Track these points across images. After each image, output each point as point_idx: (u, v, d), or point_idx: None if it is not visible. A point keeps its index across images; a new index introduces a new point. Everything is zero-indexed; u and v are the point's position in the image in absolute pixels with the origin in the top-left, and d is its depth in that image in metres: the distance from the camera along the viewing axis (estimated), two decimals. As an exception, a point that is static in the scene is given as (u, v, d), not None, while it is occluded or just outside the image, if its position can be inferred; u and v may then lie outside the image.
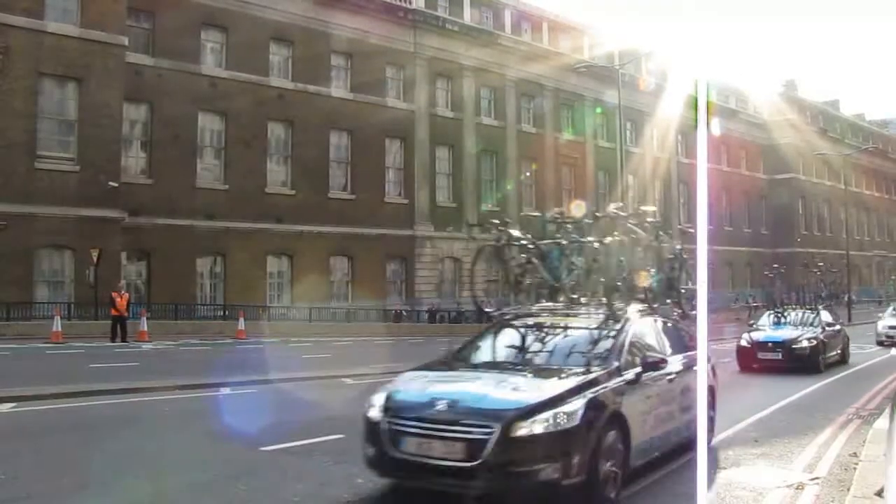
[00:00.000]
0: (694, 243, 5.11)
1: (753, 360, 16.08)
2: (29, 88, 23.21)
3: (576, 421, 5.28)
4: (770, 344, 16.15)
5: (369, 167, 33.11)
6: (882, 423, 8.66)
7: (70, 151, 24.15)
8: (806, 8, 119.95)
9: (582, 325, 6.79)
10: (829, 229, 60.23)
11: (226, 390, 11.54)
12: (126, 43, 25.13)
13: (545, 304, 7.66)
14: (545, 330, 6.82)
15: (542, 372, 6.03)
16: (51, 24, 23.48)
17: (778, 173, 57.23)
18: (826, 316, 18.16)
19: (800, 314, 17.95)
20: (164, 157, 27.25)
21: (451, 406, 5.35)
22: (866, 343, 23.70)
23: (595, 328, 6.66)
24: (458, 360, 6.77)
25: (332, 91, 32.08)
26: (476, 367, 6.42)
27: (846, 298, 40.63)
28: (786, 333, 16.54)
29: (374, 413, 5.65)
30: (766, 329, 17.32)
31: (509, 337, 6.93)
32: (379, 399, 5.73)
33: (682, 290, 8.75)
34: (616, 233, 7.44)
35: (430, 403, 5.42)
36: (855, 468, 6.69)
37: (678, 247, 9.06)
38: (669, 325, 7.92)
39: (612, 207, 7.46)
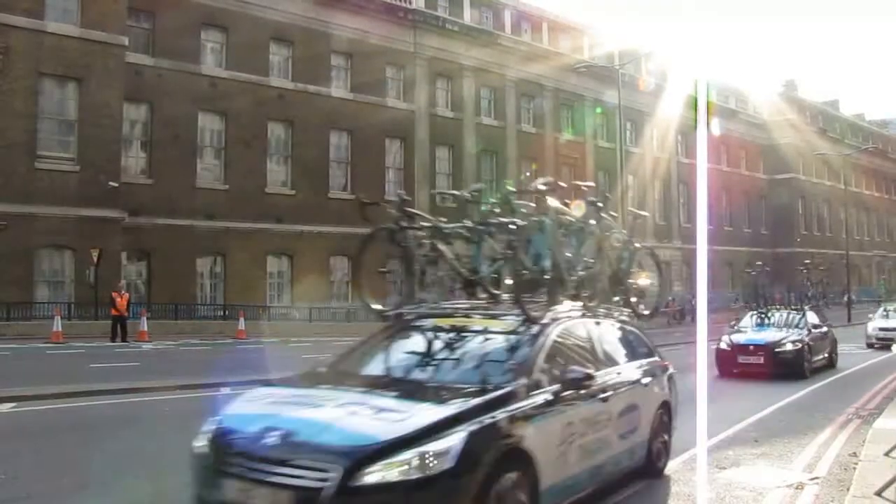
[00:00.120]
0: (694, 243, 5.13)
1: (733, 365, 14.99)
2: (29, 88, 23.20)
3: (449, 462, 3.94)
4: (751, 347, 15.06)
5: (369, 167, 33.10)
6: (882, 423, 8.68)
7: (70, 151, 24.15)
8: (806, 8, 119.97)
9: (497, 330, 5.45)
10: (829, 229, 60.23)
11: (226, 390, 11.54)
12: (126, 43, 25.13)
13: (459, 301, 6.29)
14: (446, 336, 5.46)
15: (420, 392, 4.66)
16: (51, 24, 23.48)
17: (778, 173, 57.23)
18: (812, 317, 17.17)
19: (784, 315, 16.91)
20: (164, 157, 27.26)
21: (284, 439, 4.03)
22: (859, 345, 22.81)
23: (508, 334, 5.36)
24: (335, 371, 5.51)
25: (332, 91, 32.07)
26: (343, 382, 5.04)
27: (846, 298, 40.59)
28: (769, 336, 15.50)
29: (200, 444, 4.39)
30: (747, 331, 16.25)
31: (400, 343, 5.65)
32: (211, 425, 4.48)
33: (634, 286, 7.61)
34: (542, 213, 6.05)
35: (261, 435, 4.10)
36: (855, 468, 6.70)
37: (627, 234, 7.81)
38: (619, 328, 6.70)
39: (539, 182, 6.07)
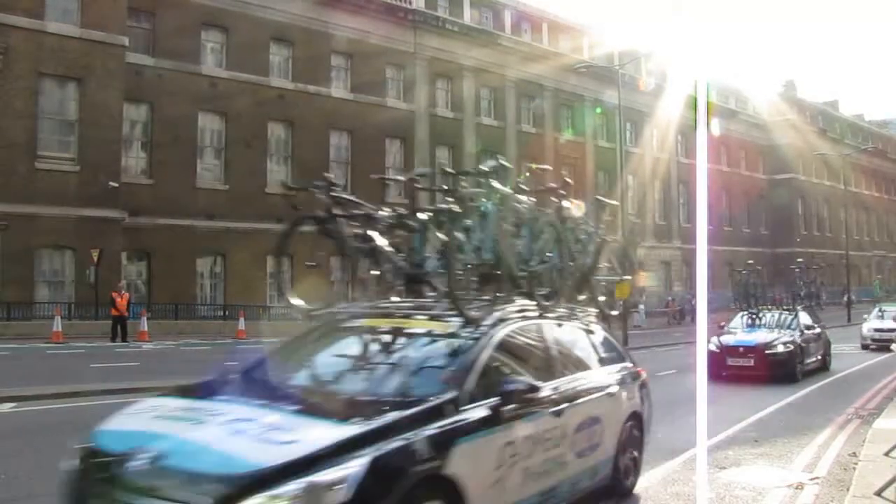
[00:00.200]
0: (693, 243, 5.10)
1: (722, 367, 14.22)
2: (29, 89, 23.21)
3: (345, 495, 3.30)
4: (741, 349, 14.50)
5: (369, 167, 33.07)
6: (882, 423, 8.68)
7: (70, 151, 24.16)
8: (805, 9, 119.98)
9: (436, 333, 4.75)
10: (829, 229, 60.25)
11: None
12: (126, 43, 25.14)
13: (402, 300, 5.49)
14: (376, 339, 4.80)
15: (328, 406, 4.03)
16: (51, 24, 23.48)
17: (778, 173, 57.24)
18: (805, 318, 16.58)
19: (776, 316, 16.33)
20: (165, 157, 27.26)
21: (153, 463, 3.41)
22: (857, 346, 22.38)
23: (446, 338, 4.68)
24: (244, 377, 4.86)
25: (333, 91, 32.08)
26: (246, 391, 4.39)
27: (846, 298, 40.56)
28: (759, 337, 14.91)
29: (70, 463, 3.87)
30: (738, 332, 15.62)
31: (323, 348, 5.11)
32: (84, 442, 3.94)
33: (603, 283, 6.94)
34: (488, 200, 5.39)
35: (131, 456, 3.47)
36: (854, 468, 6.70)
37: (594, 225, 6.97)
38: (583, 331, 6.04)
39: (488, 163, 5.46)
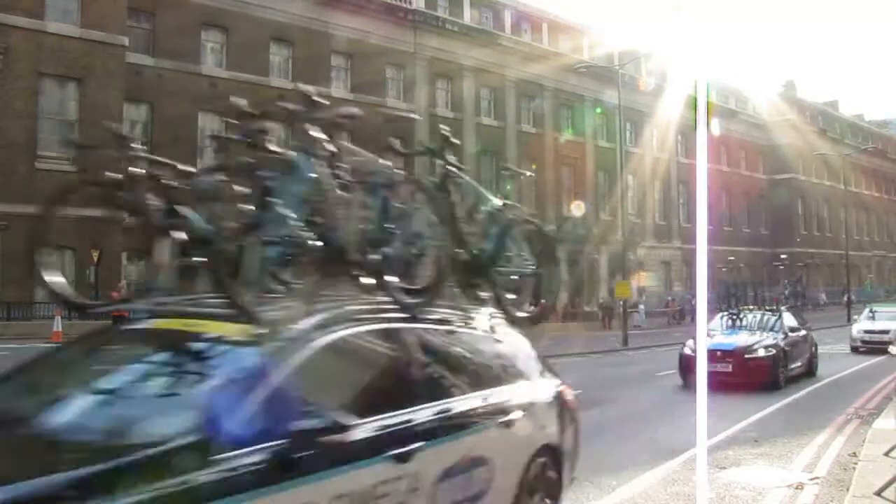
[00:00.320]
0: (693, 243, 5.08)
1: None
2: (29, 89, 23.22)
3: None
4: (719, 353, 13.00)
5: (369, 167, 33.10)
6: (881, 423, 8.68)
7: (71, 152, 24.17)
8: (805, 9, 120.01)
9: (231, 341, 3.32)
10: (829, 229, 60.26)
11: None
12: (126, 43, 25.15)
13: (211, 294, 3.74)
14: (152, 348, 3.65)
15: (16, 455, 2.75)
16: (51, 24, 23.49)
17: (778, 173, 57.25)
18: (790, 319, 15.64)
19: (758, 317, 15.25)
20: (165, 157, 26.98)
21: None
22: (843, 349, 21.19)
23: (239, 348, 3.26)
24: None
25: (333, 91, 31.98)
26: None
27: (846, 298, 40.56)
28: (739, 340, 13.82)
29: None
30: (716, 334, 14.38)
31: (83, 358, 3.82)
32: None
33: (515, 277, 5.08)
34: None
35: None
36: (854, 468, 6.70)
37: (501, 202, 5.15)
38: (478, 338, 4.49)
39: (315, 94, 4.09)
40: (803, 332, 15.75)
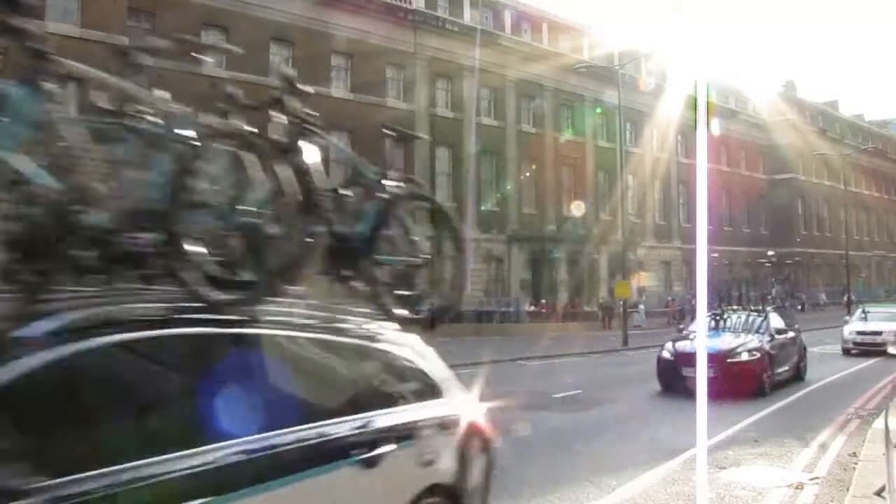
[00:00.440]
0: (693, 243, 5.09)
1: (676, 378, 12.02)
2: (29, 88, 23.24)
3: None
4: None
5: (369, 167, 33.10)
6: (882, 423, 8.68)
7: None
8: (805, 9, 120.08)
9: None
10: (829, 229, 60.26)
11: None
12: (126, 43, 25.15)
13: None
14: None
15: None
16: (51, 24, 23.46)
17: (778, 173, 57.26)
18: (777, 320, 14.83)
19: (743, 318, 14.41)
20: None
21: None
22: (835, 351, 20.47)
23: None
24: None
25: (332, 91, 32.07)
26: None
27: (846, 298, 40.57)
28: (721, 343, 12.80)
29: None
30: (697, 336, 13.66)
31: None
32: None
33: (401, 268, 3.95)
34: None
35: None
36: (854, 468, 6.71)
37: (372, 170, 3.95)
38: (348, 345, 3.48)
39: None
40: (791, 334, 15.01)
